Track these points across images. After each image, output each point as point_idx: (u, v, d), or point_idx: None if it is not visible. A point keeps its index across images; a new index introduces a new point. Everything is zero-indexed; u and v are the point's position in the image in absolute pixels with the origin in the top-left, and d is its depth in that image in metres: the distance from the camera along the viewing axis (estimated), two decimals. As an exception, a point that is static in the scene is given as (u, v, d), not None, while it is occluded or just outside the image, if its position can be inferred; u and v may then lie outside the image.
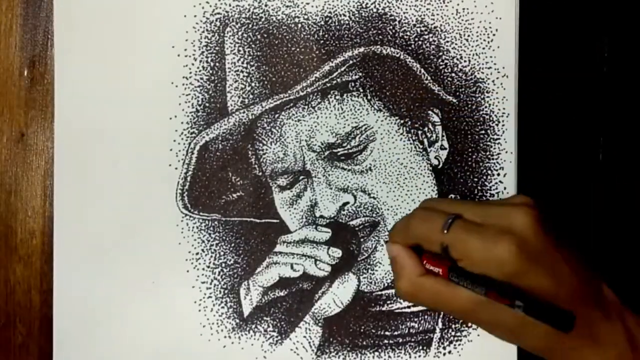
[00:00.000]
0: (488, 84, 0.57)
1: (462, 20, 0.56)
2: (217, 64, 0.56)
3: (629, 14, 0.58)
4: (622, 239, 0.59)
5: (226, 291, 0.56)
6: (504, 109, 0.57)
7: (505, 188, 0.57)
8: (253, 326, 0.57)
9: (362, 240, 0.56)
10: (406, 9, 0.56)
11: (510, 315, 0.44)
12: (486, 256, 0.43)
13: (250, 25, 0.56)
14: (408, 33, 0.56)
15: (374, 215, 0.56)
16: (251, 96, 0.56)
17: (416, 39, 0.56)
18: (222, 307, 0.56)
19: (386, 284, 0.57)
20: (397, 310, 0.57)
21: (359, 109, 0.56)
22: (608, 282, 0.47)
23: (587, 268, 0.46)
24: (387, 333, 0.57)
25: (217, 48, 0.56)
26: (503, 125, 0.57)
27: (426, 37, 0.56)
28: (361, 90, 0.56)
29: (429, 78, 0.56)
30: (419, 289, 0.47)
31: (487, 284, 0.43)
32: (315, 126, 0.56)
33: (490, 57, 0.56)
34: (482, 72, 0.56)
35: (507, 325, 0.45)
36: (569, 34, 0.58)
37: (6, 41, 0.57)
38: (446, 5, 0.56)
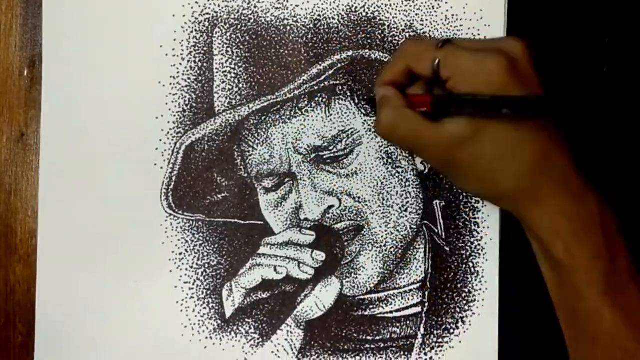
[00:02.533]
0: (475, 91, 0.56)
1: (451, 26, 0.56)
2: (205, 65, 0.56)
3: (629, 14, 0.58)
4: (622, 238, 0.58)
5: (208, 292, 0.56)
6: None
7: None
8: (235, 328, 0.56)
9: (346, 244, 0.56)
10: (395, 14, 0.56)
11: (489, 147, 0.46)
12: (477, 69, 0.46)
13: (239, 27, 0.56)
14: (397, 38, 0.56)
15: (358, 219, 0.56)
16: (238, 97, 0.56)
17: (404, 44, 0.56)
18: (204, 308, 0.56)
19: (369, 288, 0.57)
20: (379, 315, 0.57)
21: (346, 113, 0.56)
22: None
23: None
24: (369, 338, 0.57)
25: (205, 48, 0.56)
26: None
27: (414, 42, 0.56)
28: (349, 94, 0.56)
29: (416, 83, 0.56)
30: (400, 120, 0.48)
31: (473, 102, 0.45)
32: (302, 129, 0.56)
33: (478, 64, 0.56)
34: (470, 79, 0.56)
35: (484, 161, 0.46)
36: (568, 34, 0.58)
37: (6, 41, 0.57)
38: (435, 11, 0.56)
